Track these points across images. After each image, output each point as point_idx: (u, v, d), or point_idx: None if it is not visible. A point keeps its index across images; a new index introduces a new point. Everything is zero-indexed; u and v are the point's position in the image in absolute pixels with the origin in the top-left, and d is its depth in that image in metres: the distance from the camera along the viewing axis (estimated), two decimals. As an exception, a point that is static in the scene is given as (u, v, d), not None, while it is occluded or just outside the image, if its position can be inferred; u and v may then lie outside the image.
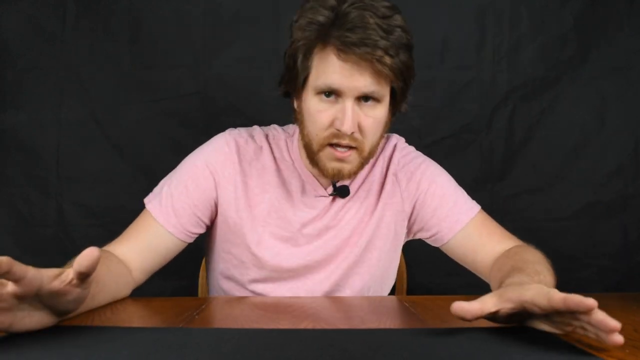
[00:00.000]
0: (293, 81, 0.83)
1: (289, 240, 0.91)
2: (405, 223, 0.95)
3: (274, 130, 0.96)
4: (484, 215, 0.94)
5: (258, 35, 1.54)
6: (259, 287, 0.93)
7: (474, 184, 1.53)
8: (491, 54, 1.54)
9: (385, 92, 0.80)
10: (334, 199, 0.92)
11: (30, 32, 1.51)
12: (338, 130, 0.78)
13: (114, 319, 0.67)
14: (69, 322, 0.61)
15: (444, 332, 0.58)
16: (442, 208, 0.92)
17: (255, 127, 0.96)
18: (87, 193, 1.51)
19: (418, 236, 0.98)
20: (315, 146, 0.82)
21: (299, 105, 0.85)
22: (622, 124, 1.55)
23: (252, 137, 0.93)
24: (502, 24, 1.55)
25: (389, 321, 0.67)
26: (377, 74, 0.76)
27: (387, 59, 0.74)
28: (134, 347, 0.51)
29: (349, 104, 0.77)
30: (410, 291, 1.30)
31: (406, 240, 1.01)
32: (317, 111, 0.80)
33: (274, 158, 0.92)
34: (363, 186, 0.94)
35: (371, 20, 0.74)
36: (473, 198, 0.96)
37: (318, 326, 0.62)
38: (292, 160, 0.92)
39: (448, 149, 1.55)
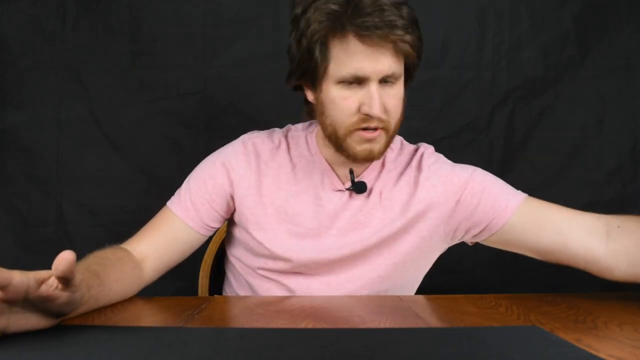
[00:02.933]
0: (310, 74, 0.81)
1: (303, 236, 0.89)
2: (443, 228, 0.91)
3: (294, 129, 0.96)
4: (535, 199, 0.89)
5: (258, 35, 1.54)
6: (273, 278, 0.91)
7: (474, 184, 1.53)
8: (491, 53, 1.54)
9: (402, 70, 0.81)
10: (351, 195, 0.89)
11: (30, 32, 1.51)
12: (367, 114, 0.78)
13: (114, 319, 0.67)
14: (69, 322, 0.61)
15: (444, 332, 0.58)
16: (487, 199, 0.87)
17: (276, 128, 0.96)
18: (87, 193, 1.51)
19: (467, 236, 0.92)
20: (342, 132, 0.81)
21: (317, 97, 0.84)
22: (621, 124, 1.55)
23: (270, 137, 0.93)
24: (502, 23, 1.55)
25: (389, 321, 0.67)
26: (397, 54, 0.77)
27: (408, 37, 0.75)
28: (134, 346, 0.51)
29: (374, 87, 0.77)
30: (410, 291, 1.30)
31: (452, 244, 0.96)
32: (342, 99, 0.79)
33: (290, 157, 0.91)
34: (389, 195, 0.90)
35: (383, 1, 0.74)
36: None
37: (318, 326, 0.62)
38: (312, 154, 0.91)
39: (448, 149, 1.52)
